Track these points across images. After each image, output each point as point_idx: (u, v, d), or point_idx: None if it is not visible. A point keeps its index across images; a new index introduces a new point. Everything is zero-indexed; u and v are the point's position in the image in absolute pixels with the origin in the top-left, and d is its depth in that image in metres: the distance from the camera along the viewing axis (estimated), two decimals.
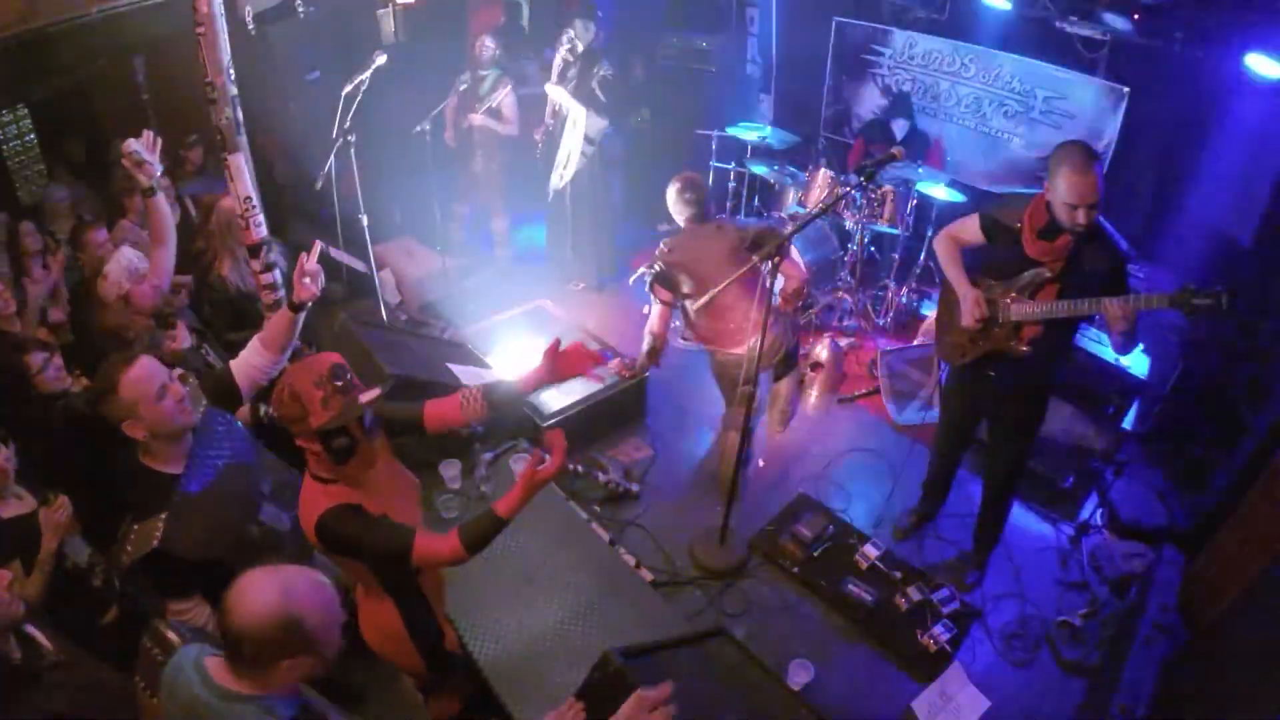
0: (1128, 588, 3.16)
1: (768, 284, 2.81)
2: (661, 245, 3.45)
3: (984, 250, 2.82)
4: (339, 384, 1.77)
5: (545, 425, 3.59)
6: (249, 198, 2.91)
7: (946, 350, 2.98)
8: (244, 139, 2.87)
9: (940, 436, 3.34)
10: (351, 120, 4.01)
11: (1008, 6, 4.46)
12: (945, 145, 5.18)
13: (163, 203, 3.07)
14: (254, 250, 3.02)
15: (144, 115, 4.93)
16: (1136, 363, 3.78)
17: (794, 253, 4.39)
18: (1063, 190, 2.40)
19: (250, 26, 4.43)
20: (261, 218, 2.99)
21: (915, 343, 4.59)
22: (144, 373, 2.02)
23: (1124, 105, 4.25)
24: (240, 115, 2.83)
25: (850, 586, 3.17)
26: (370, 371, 3.17)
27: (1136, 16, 3.78)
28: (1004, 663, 3.01)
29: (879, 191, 4.65)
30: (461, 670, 2.44)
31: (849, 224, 4.77)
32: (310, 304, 2.33)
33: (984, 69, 4.83)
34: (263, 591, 1.33)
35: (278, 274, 3.13)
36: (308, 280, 2.28)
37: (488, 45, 4.84)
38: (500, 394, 2.12)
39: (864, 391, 4.42)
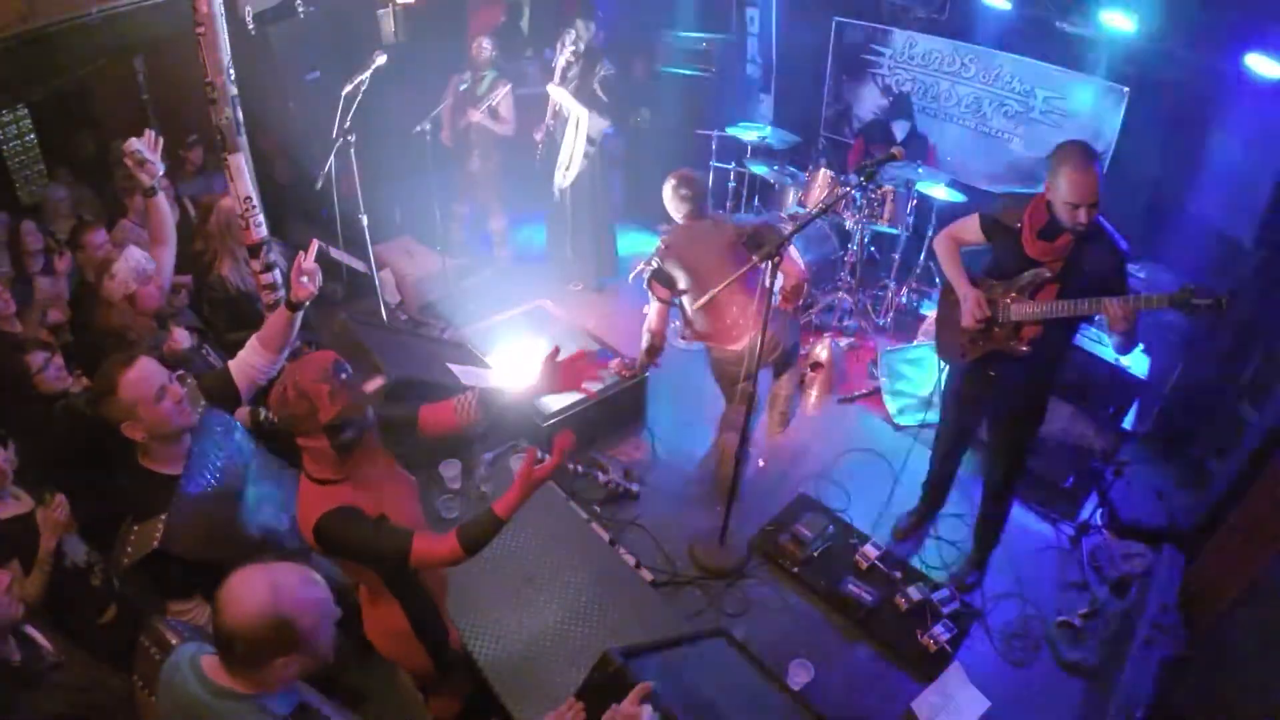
0: (1128, 588, 3.16)
1: (767, 283, 2.81)
2: (659, 241, 3.46)
3: (984, 250, 2.82)
4: (343, 377, 1.78)
5: (545, 425, 3.60)
6: (249, 198, 2.91)
7: (947, 350, 2.99)
8: (244, 139, 2.87)
9: (940, 436, 3.34)
10: (351, 120, 4.01)
11: (1008, 6, 4.46)
12: (943, 146, 5.17)
13: (163, 202, 3.07)
14: (254, 250, 3.01)
15: (144, 115, 4.93)
16: (1136, 363, 3.78)
17: (793, 252, 4.40)
18: (1064, 189, 2.40)
19: (250, 26, 4.43)
20: (261, 218, 2.99)
21: (915, 343, 4.59)
22: (143, 374, 2.02)
23: (1124, 105, 4.25)
24: (240, 115, 2.82)
25: (850, 586, 3.17)
26: (370, 371, 3.18)
27: (1136, 16, 3.77)
28: (1004, 663, 3.01)
29: (879, 191, 4.65)
30: (462, 670, 2.44)
31: (849, 224, 4.77)
32: (308, 303, 2.33)
33: (984, 69, 4.84)
34: (253, 590, 1.33)
35: (278, 274, 3.13)
36: (305, 279, 2.29)
37: (485, 46, 4.85)
38: (496, 402, 2.12)
39: (864, 391, 4.42)
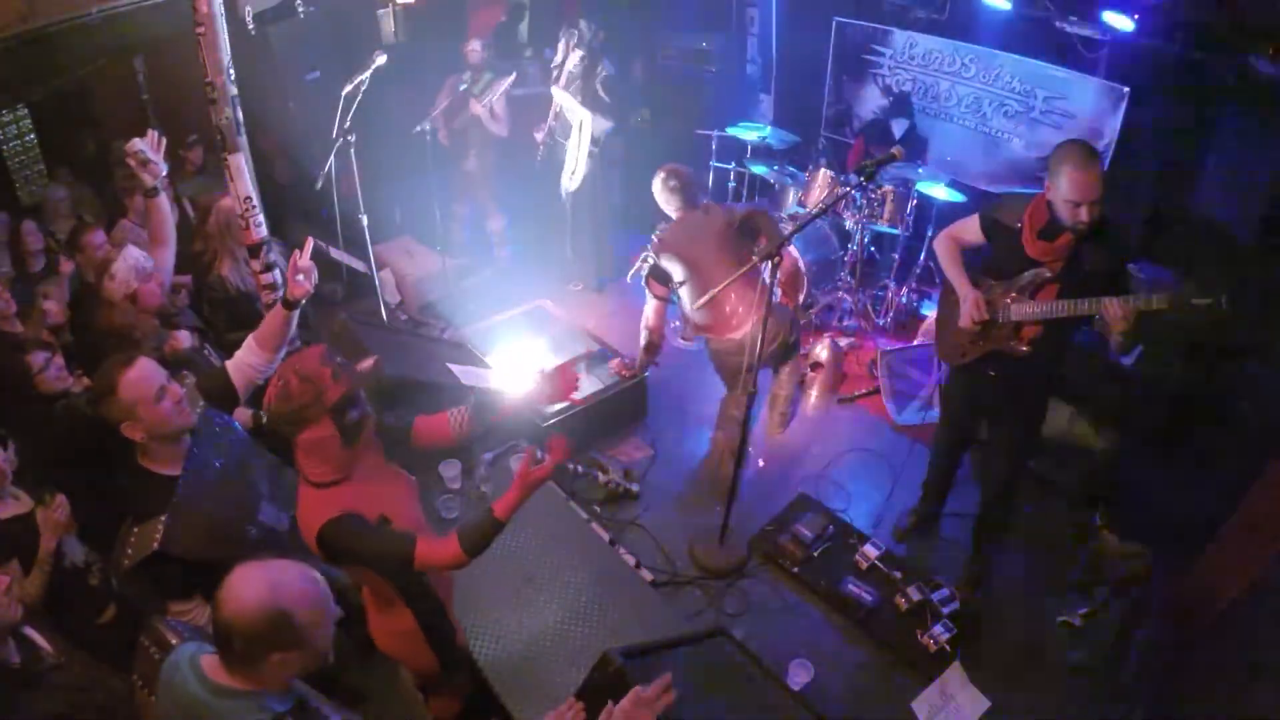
0: (1128, 588, 3.16)
1: (766, 280, 2.81)
2: (654, 235, 3.48)
3: (984, 250, 2.82)
4: (339, 360, 1.79)
5: (545, 425, 3.60)
6: (249, 198, 2.91)
7: (947, 350, 2.98)
8: (244, 139, 2.87)
9: (940, 436, 3.34)
10: (351, 120, 4.01)
11: (1008, 6, 4.46)
12: (943, 146, 5.17)
13: (164, 203, 3.08)
14: (254, 250, 3.02)
15: (144, 115, 4.93)
16: (1136, 363, 3.78)
17: (791, 249, 4.41)
18: (1065, 187, 2.39)
19: (250, 26, 4.43)
20: (261, 218, 2.99)
21: (915, 343, 4.59)
22: (143, 374, 2.02)
23: (1124, 105, 4.25)
24: (240, 115, 2.83)
25: (850, 586, 3.16)
26: (370, 377, 3.18)
27: (1136, 16, 3.77)
28: (1004, 662, 3.00)
29: (879, 191, 4.65)
30: (463, 670, 2.44)
31: (849, 224, 4.77)
32: (304, 302, 2.33)
33: (984, 69, 4.83)
34: (251, 586, 1.33)
35: (278, 274, 3.13)
36: (301, 277, 2.29)
37: (475, 49, 4.86)
38: (488, 415, 2.13)
39: (864, 391, 4.42)
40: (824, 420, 4.29)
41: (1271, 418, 3.25)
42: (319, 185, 4.19)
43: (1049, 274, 2.57)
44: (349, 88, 3.99)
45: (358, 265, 4.53)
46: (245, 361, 2.31)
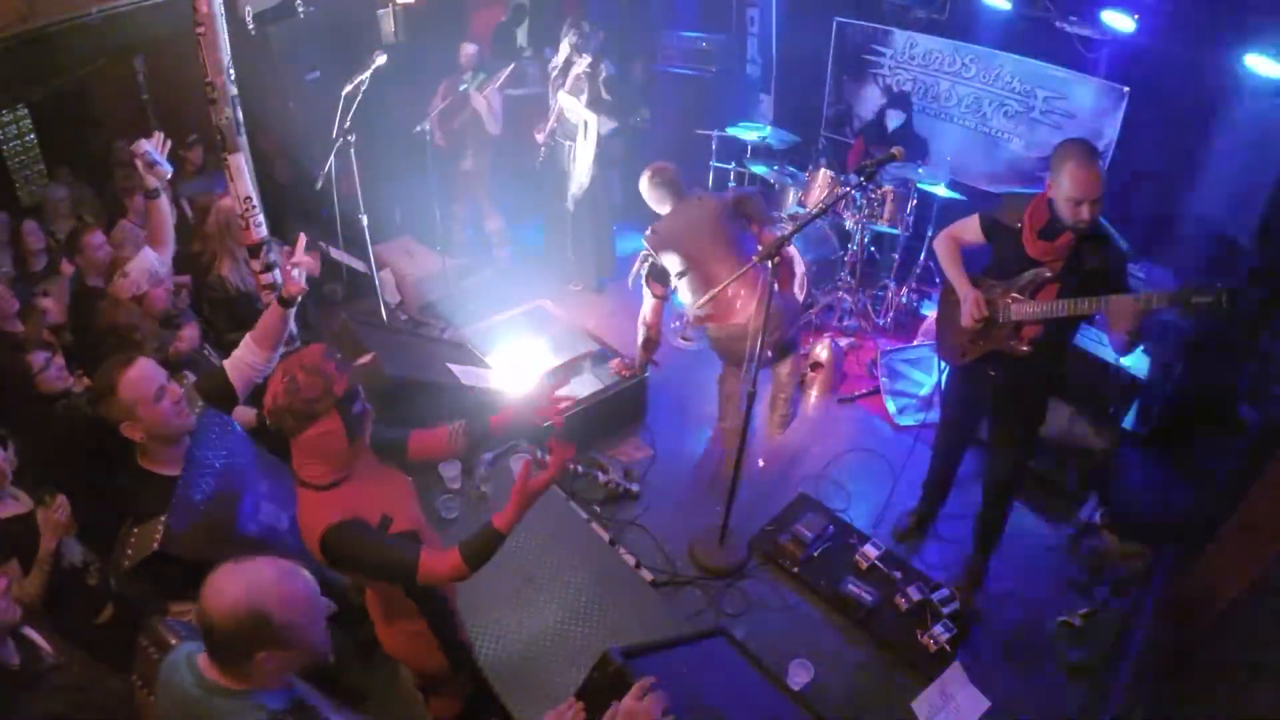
0: (1128, 588, 3.16)
1: (767, 278, 2.81)
2: (648, 231, 3.50)
3: (984, 250, 2.82)
4: (339, 356, 1.79)
5: (546, 425, 3.59)
6: (249, 198, 2.91)
7: (947, 350, 2.99)
8: (244, 139, 2.87)
9: (940, 436, 3.34)
10: (351, 120, 4.01)
11: (1008, 6, 4.47)
12: (943, 146, 5.17)
13: (165, 205, 3.09)
14: (254, 250, 3.01)
15: (144, 115, 4.93)
16: (1136, 363, 3.78)
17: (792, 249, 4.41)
18: (1067, 186, 2.39)
19: (250, 26, 4.43)
20: (261, 218, 2.99)
21: (915, 343, 4.59)
22: (142, 374, 2.02)
23: (1124, 105, 4.25)
24: (240, 115, 2.83)
25: (850, 586, 3.16)
26: (369, 371, 3.17)
27: (1137, 16, 3.77)
28: (1004, 663, 3.01)
29: (879, 191, 4.65)
30: (465, 670, 2.44)
31: (849, 224, 4.77)
32: (300, 299, 2.33)
33: (984, 69, 4.84)
34: (228, 587, 1.32)
35: (277, 274, 3.13)
36: (297, 272, 2.29)
37: (469, 52, 4.86)
38: (480, 431, 2.13)
39: (864, 391, 4.42)
40: (824, 420, 4.29)
41: (1271, 418, 3.24)
42: (319, 185, 4.19)
43: (1049, 274, 2.57)
44: (349, 88, 3.99)
45: (358, 265, 4.53)
46: (243, 361, 2.31)
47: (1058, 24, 4.25)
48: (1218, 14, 3.57)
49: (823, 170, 4.84)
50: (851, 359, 4.64)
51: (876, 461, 3.95)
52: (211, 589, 1.33)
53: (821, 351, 4.40)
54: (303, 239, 2.37)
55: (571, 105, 4.57)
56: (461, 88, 4.90)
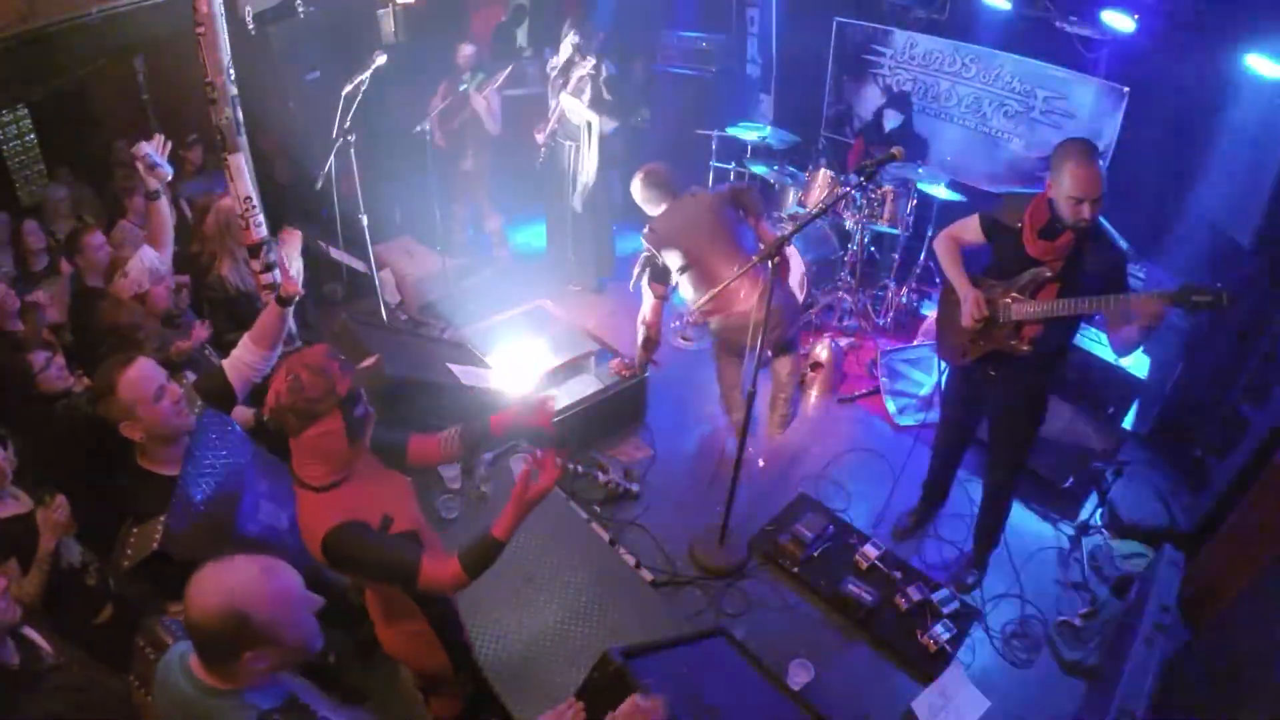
0: (1128, 588, 3.16)
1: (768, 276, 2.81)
2: (645, 229, 3.51)
3: (985, 250, 2.82)
4: (342, 358, 1.79)
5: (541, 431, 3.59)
6: (249, 198, 2.91)
7: (948, 350, 2.99)
8: (244, 139, 2.87)
9: (940, 436, 3.34)
10: (351, 120, 4.01)
11: (1008, 6, 4.47)
12: (943, 146, 5.18)
13: (165, 206, 3.10)
14: (254, 250, 3.02)
15: (144, 115, 4.93)
16: (1136, 363, 3.78)
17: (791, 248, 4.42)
18: (1067, 185, 2.40)
19: (250, 26, 4.43)
20: (261, 218, 2.99)
21: (915, 343, 4.59)
22: (142, 374, 2.02)
23: (1124, 105, 4.25)
24: (240, 115, 2.83)
25: (850, 586, 3.16)
26: (372, 374, 3.18)
27: (1137, 16, 3.77)
28: (1004, 663, 3.01)
29: (879, 191, 4.65)
30: (466, 670, 2.44)
31: (849, 224, 4.77)
32: (296, 298, 2.33)
33: (984, 69, 4.84)
34: (208, 586, 1.32)
35: (277, 274, 3.13)
36: (292, 272, 2.29)
37: (466, 53, 4.86)
38: (475, 437, 2.14)
39: (864, 391, 4.42)
40: (824, 420, 4.29)
41: (1272, 418, 3.24)
42: (319, 185, 4.19)
43: (1049, 273, 2.57)
44: (349, 88, 3.99)
45: (358, 265, 4.53)
46: (242, 360, 2.31)
47: (1058, 24, 4.25)
48: (1218, 14, 3.57)
49: (823, 170, 4.84)
50: (851, 359, 4.64)
51: (876, 461, 3.95)
52: (194, 590, 1.32)
53: (821, 351, 4.40)
54: (295, 237, 2.38)
55: (573, 106, 4.57)
56: (461, 88, 4.90)
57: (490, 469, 3.36)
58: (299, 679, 1.55)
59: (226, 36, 2.72)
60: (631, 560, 3.22)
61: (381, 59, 4.00)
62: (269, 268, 3.09)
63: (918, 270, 5.01)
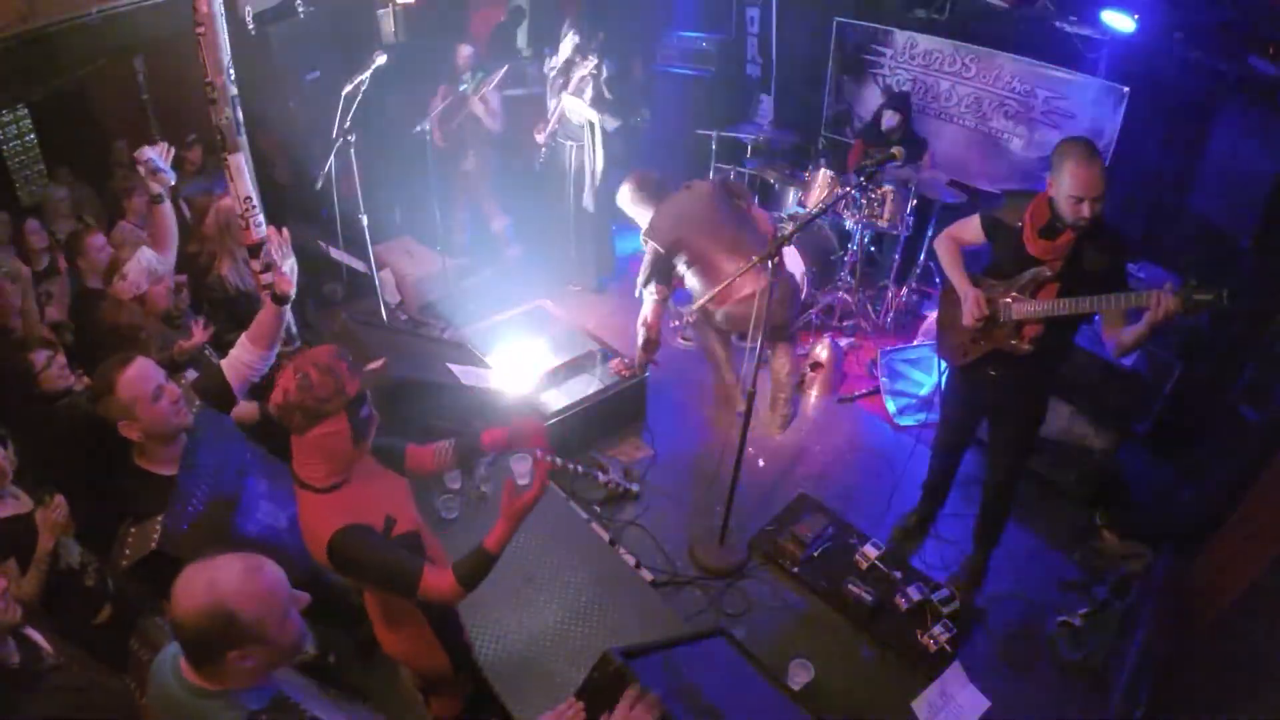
0: (1128, 588, 3.16)
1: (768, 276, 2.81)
2: (645, 228, 3.53)
3: (985, 250, 2.82)
4: (350, 358, 1.78)
5: (547, 425, 3.60)
6: (249, 198, 2.92)
7: (948, 350, 2.99)
8: (244, 139, 2.87)
9: (940, 436, 3.34)
10: (351, 120, 4.01)
11: (1007, 6, 4.46)
12: (943, 146, 5.18)
13: (169, 210, 3.10)
14: (254, 250, 3.02)
15: (144, 115, 4.93)
16: (1136, 363, 3.78)
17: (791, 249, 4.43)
18: (1068, 184, 2.40)
19: (250, 26, 4.43)
20: (261, 218, 2.99)
21: (915, 343, 4.59)
22: (140, 373, 2.02)
23: (1124, 105, 4.25)
24: (240, 115, 2.83)
25: (850, 586, 3.16)
26: (379, 377, 3.18)
27: (1137, 16, 3.77)
28: (1004, 663, 3.01)
29: (879, 191, 4.65)
30: (466, 670, 2.44)
31: (849, 224, 4.77)
32: (293, 295, 2.33)
33: (984, 69, 4.84)
34: (193, 585, 1.31)
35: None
36: (286, 270, 2.29)
37: (464, 53, 4.87)
38: (468, 451, 2.15)
39: (864, 391, 4.42)
40: (824, 420, 4.29)
41: (1272, 417, 3.25)
42: (319, 185, 4.19)
43: (1049, 273, 2.57)
44: (349, 88, 3.99)
45: (358, 265, 4.53)
46: (240, 360, 2.30)
47: (1058, 24, 4.25)
48: (1218, 14, 3.57)
49: (823, 170, 4.84)
50: (851, 359, 4.64)
51: (876, 461, 3.95)
52: (179, 589, 1.31)
53: (821, 351, 4.40)
54: (286, 234, 2.38)
55: (575, 106, 4.57)
56: (461, 88, 4.91)
57: (490, 469, 3.36)
58: (296, 677, 1.55)
59: (226, 36, 2.72)
60: (631, 560, 3.22)
61: (381, 59, 3.99)
62: (269, 268, 3.09)
63: (918, 270, 5.01)
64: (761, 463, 3.94)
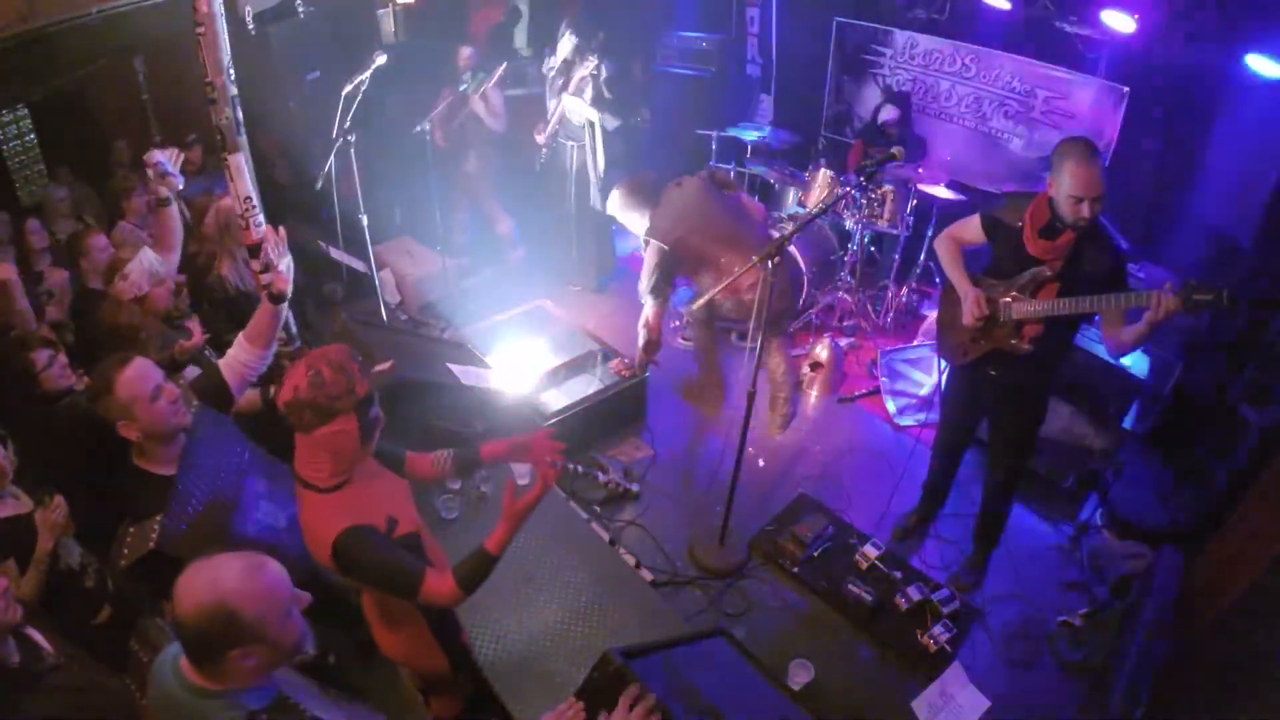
0: (1128, 588, 3.16)
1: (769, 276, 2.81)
2: (647, 228, 3.52)
3: (985, 250, 2.82)
4: (359, 359, 1.79)
5: (547, 424, 3.60)
6: (249, 198, 2.91)
7: (948, 350, 2.99)
8: (244, 139, 2.87)
9: (940, 436, 3.34)
10: (351, 120, 4.01)
11: (1008, 6, 4.47)
12: (943, 146, 5.18)
13: (175, 213, 3.10)
14: (254, 250, 3.02)
15: (144, 115, 4.93)
16: (1136, 363, 3.78)
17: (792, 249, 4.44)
18: (1068, 183, 2.40)
19: (250, 26, 4.43)
20: (261, 218, 2.99)
21: (915, 343, 4.59)
22: (139, 373, 2.02)
23: (1124, 105, 4.25)
24: (240, 115, 2.83)
25: (850, 586, 3.16)
26: (387, 379, 3.18)
27: (1136, 16, 3.77)
28: (1004, 663, 3.01)
29: (879, 191, 4.65)
30: (465, 670, 2.44)
31: (849, 224, 4.77)
32: (289, 294, 2.33)
33: (984, 69, 4.84)
34: (195, 584, 1.31)
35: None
36: (282, 268, 2.29)
37: (465, 54, 4.88)
38: (467, 461, 2.16)
39: (864, 391, 4.42)
40: (824, 420, 4.29)
41: (1272, 417, 3.25)
42: (319, 185, 4.19)
43: (1049, 273, 2.57)
44: (349, 88, 3.99)
45: (358, 265, 4.53)
46: (237, 359, 2.30)
47: (1058, 24, 4.25)
48: (1218, 14, 3.57)
49: (823, 170, 4.84)
50: (851, 359, 4.64)
51: (876, 461, 3.95)
52: (181, 587, 1.31)
53: (821, 351, 4.40)
54: (282, 233, 2.38)
55: (575, 106, 4.57)
56: (462, 88, 4.91)
57: (491, 469, 3.36)
58: (296, 678, 1.55)
59: (226, 36, 2.72)
60: (631, 560, 3.22)
61: (381, 59, 3.99)
62: (268, 268, 3.09)
63: (918, 270, 5.01)
64: (761, 463, 3.94)
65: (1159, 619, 2.71)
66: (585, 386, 3.97)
